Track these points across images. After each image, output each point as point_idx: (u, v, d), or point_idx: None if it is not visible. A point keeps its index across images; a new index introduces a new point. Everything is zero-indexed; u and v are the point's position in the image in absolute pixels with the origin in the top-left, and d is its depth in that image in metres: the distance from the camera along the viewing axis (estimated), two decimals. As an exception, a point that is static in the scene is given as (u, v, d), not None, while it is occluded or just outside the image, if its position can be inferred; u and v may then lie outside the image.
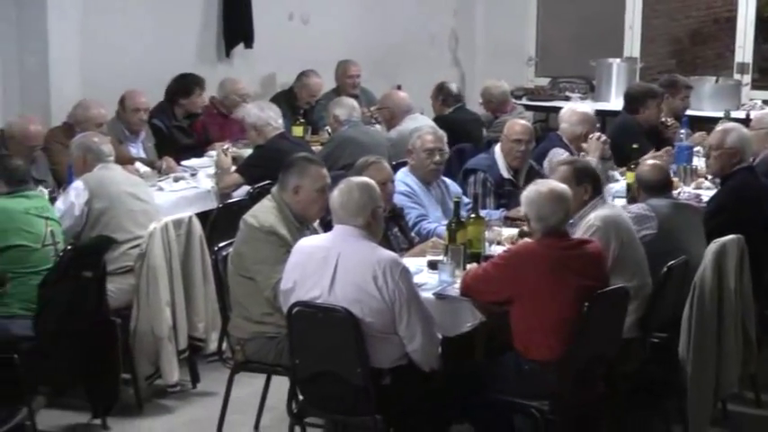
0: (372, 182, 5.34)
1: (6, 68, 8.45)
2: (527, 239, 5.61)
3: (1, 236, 5.93)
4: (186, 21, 9.95)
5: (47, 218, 6.18)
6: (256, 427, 6.20)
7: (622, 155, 7.88)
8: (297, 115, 9.40)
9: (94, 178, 6.64)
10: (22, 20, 8.43)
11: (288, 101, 9.75)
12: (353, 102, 8.97)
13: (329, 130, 8.88)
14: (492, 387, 5.29)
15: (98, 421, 6.26)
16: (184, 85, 9.06)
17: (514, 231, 6.38)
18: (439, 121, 9.01)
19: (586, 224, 5.76)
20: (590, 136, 7.83)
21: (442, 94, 9.73)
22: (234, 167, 7.90)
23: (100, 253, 6.23)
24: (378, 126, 9.33)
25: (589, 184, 5.91)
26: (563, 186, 5.44)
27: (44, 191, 6.83)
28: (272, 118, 7.89)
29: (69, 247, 6.15)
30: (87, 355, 6.17)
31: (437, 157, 7.02)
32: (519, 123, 7.68)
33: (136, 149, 8.39)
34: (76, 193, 6.56)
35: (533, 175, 7.33)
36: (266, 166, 7.36)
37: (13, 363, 5.82)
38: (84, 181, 6.62)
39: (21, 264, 5.97)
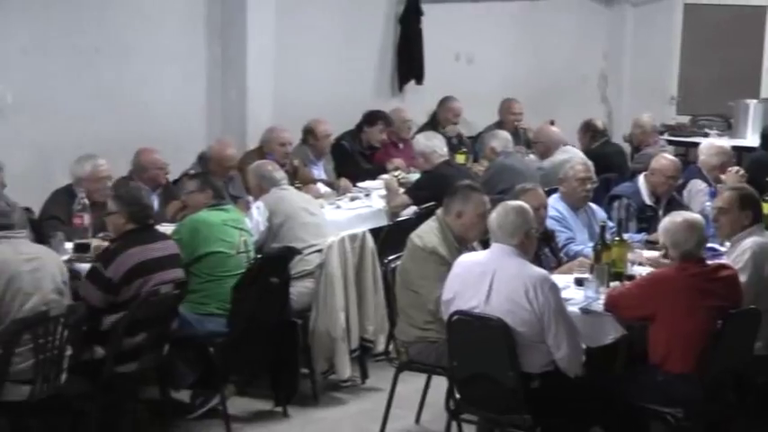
0: (527, 206, 5.32)
1: (211, 100, 8.69)
2: (667, 263, 5.54)
3: (203, 243, 6.07)
4: (365, 59, 10.08)
5: (241, 229, 6.31)
6: (417, 420, 6.21)
7: (757, 188, 7.65)
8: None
9: (272, 198, 6.74)
10: (226, 59, 8.68)
11: (433, 127, 9.75)
12: (508, 134, 8.96)
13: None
14: (630, 394, 5.21)
15: (279, 409, 6.35)
16: (372, 116, 9.20)
17: (655, 254, 6.27)
18: (587, 154, 8.90)
19: (742, 248, 5.65)
20: (729, 169, 7.66)
21: (590, 131, 9.61)
22: (402, 190, 7.96)
23: (285, 261, 6.34)
24: (532, 156, 9.29)
25: (750, 211, 5.81)
26: (696, 217, 5.40)
27: (250, 199, 7.02)
28: (438, 146, 7.94)
29: (259, 256, 6.29)
30: (272, 351, 6.28)
31: (588, 186, 6.95)
32: (670, 160, 7.51)
33: (318, 171, 8.53)
34: (259, 211, 6.67)
35: (673, 203, 7.21)
36: (432, 189, 7.39)
37: (209, 355, 5.97)
38: (264, 201, 6.73)
39: (218, 268, 6.10)
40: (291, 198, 6.84)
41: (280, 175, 6.94)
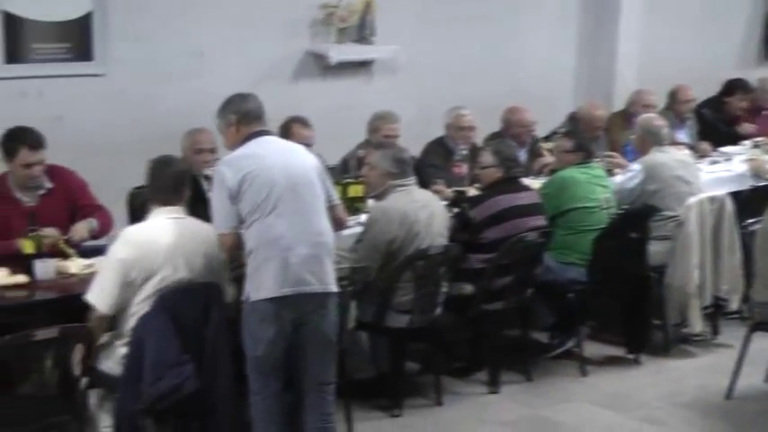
0: None
1: (580, 64, 8.62)
2: None
3: (569, 199, 6.00)
4: (731, 27, 9.65)
5: (604, 186, 6.17)
6: (766, 380, 5.86)
7: None
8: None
9: (650, 162, 6.38)
10: (599, 25, 8.56)
11: None
12: None
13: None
14: None
15: (632, 356, 6.20)
16: (730, 86, 8.74)
17: None
18: None
19: None
20: None
21: None
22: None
23: (645, 219, 6.14)
24: None
25: None
26: None
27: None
28: None
29: (621, 212, 6.12)
30: (627, 301, 6.14)
31: None
32: None
33: (681, 135, 8.16)
34: (633, 174, 6.38)
35: None
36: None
37: (568, 301, 5.94)
38: (642, 163, 6.41)
39: (581, 222, 6.00)
40: (669, 165, 6.41)
41: (665, 133, 6.56)
